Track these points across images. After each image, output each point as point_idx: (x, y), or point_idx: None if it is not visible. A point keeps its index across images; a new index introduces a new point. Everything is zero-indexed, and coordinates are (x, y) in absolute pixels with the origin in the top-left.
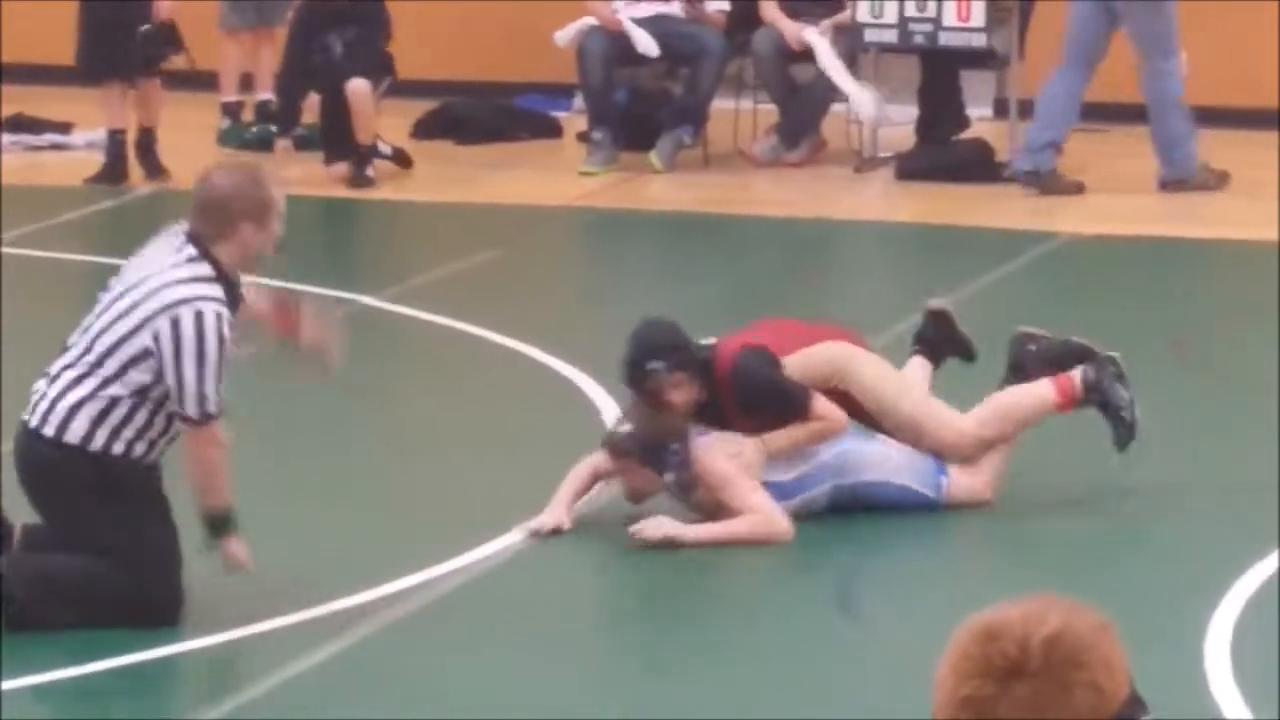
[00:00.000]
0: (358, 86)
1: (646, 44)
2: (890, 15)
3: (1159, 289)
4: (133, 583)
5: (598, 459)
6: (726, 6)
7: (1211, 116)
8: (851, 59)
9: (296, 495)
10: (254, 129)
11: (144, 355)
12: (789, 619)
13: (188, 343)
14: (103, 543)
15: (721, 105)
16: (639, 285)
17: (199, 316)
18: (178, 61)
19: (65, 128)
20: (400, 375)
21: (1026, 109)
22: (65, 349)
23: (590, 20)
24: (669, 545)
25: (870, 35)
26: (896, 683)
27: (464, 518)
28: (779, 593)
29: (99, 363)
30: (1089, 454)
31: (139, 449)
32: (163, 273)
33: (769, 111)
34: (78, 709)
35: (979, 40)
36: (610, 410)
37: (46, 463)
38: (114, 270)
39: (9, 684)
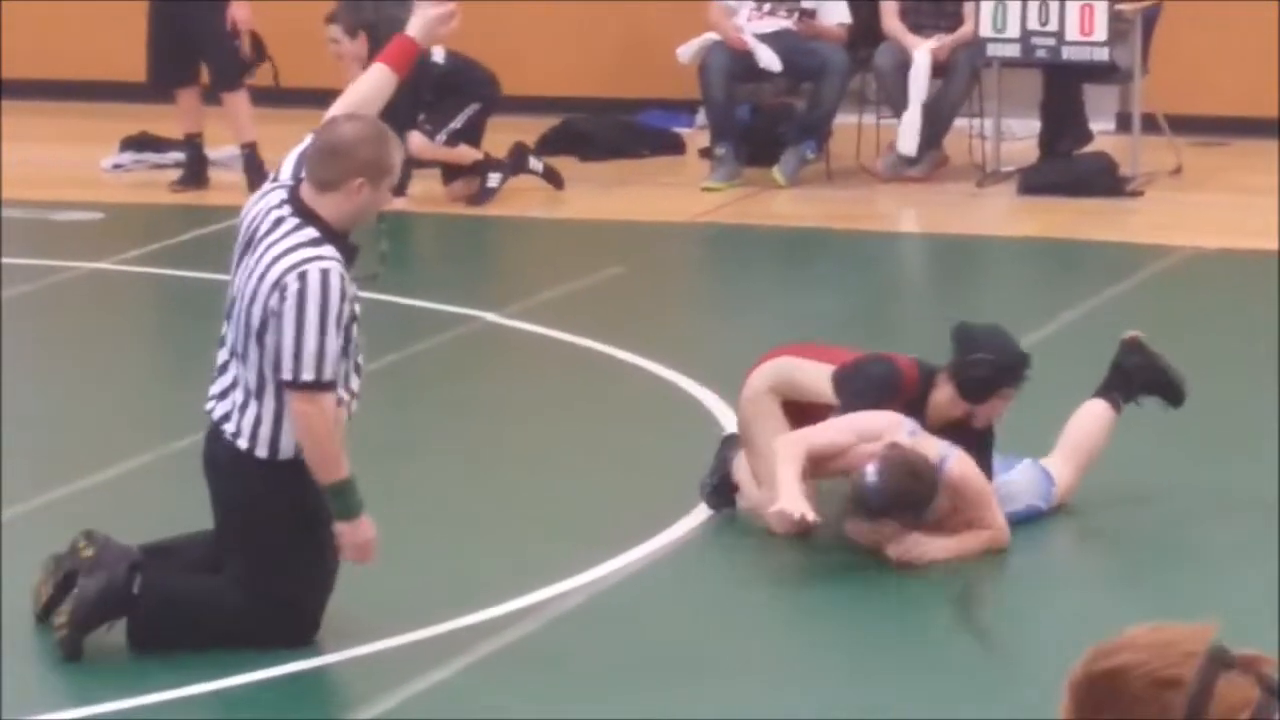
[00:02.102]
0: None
1: (769, 59)
2: (1013, 29)
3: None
4: (270, 604)
5: (797, 448)
6: (849, 20)
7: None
8: (973, 74)
9: (419, 513)
10: None
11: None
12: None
13: (291, 303)
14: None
15: (844, 120)
16: (762, 300)
17: (303, 276)
18: (262, 74)
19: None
20: (524, 392)
21: (1150, 123)
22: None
23: (713, 36)
24: (916, 565)
25: (992, 49)
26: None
27: (588, 535)
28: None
29: (244, 363)
30: (1203, 472)
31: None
32: (268, 252)
33: (891, 126)
34: None
35: (1101, 54)
36: (732, 425)
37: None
38: None
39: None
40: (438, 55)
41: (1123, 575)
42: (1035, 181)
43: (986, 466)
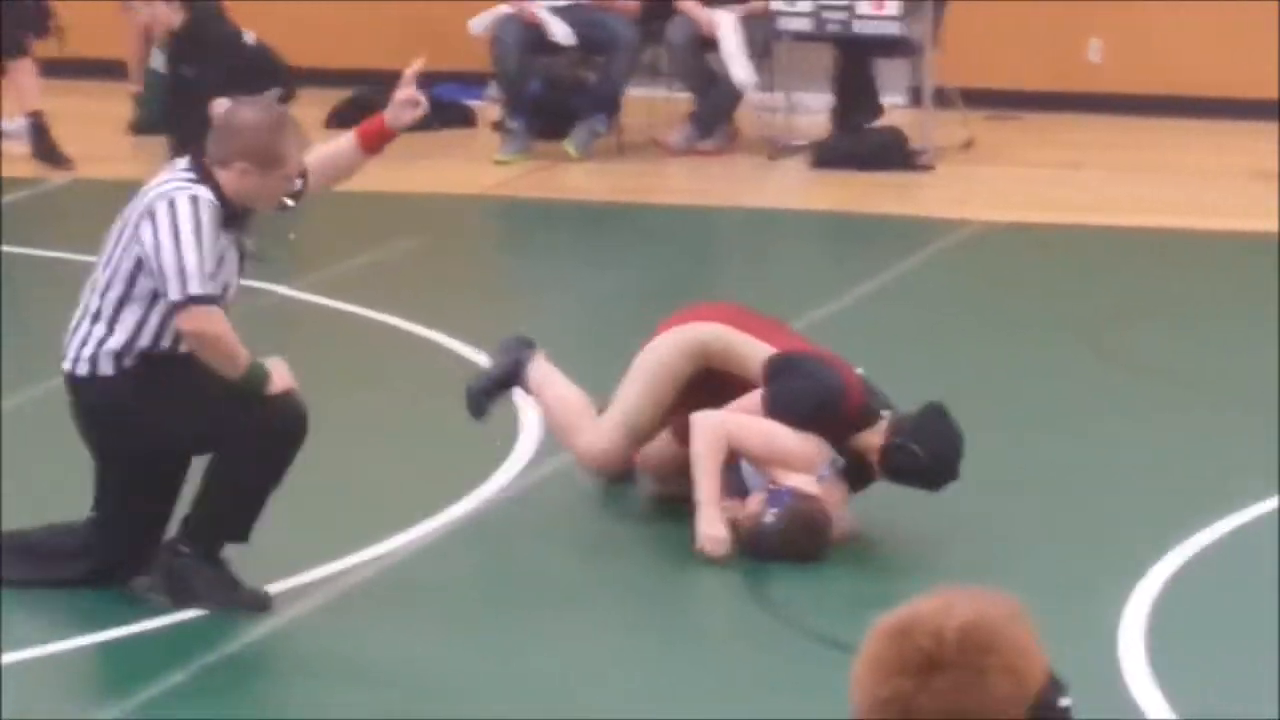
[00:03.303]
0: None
1: (562, 33)
2: (804, 4)
3: (1073, 277)
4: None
5: (718, 443)
6: None
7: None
8: (765, 47)
9: None
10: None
11: (140, 260)
12: (689, 600)
13: (164, 225)
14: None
15: (637, 93)
16: (555, 274)
17: (173, 203)
18: (50, 44)
19: None
20: (315, 365)
21: (942, 97)
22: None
23: (505, 8)
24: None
25: (784, 23)
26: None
27: (377, 508)
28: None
29: (107, 287)
30: (1002, 444)
31: (166, 343)
32: (145, 194)
33: (684, 100)
34: None
35: (893, 28)
36: (522, 399)
37: (96, 401)
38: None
39: None
40: (249, 38)
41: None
42: (827, 155)
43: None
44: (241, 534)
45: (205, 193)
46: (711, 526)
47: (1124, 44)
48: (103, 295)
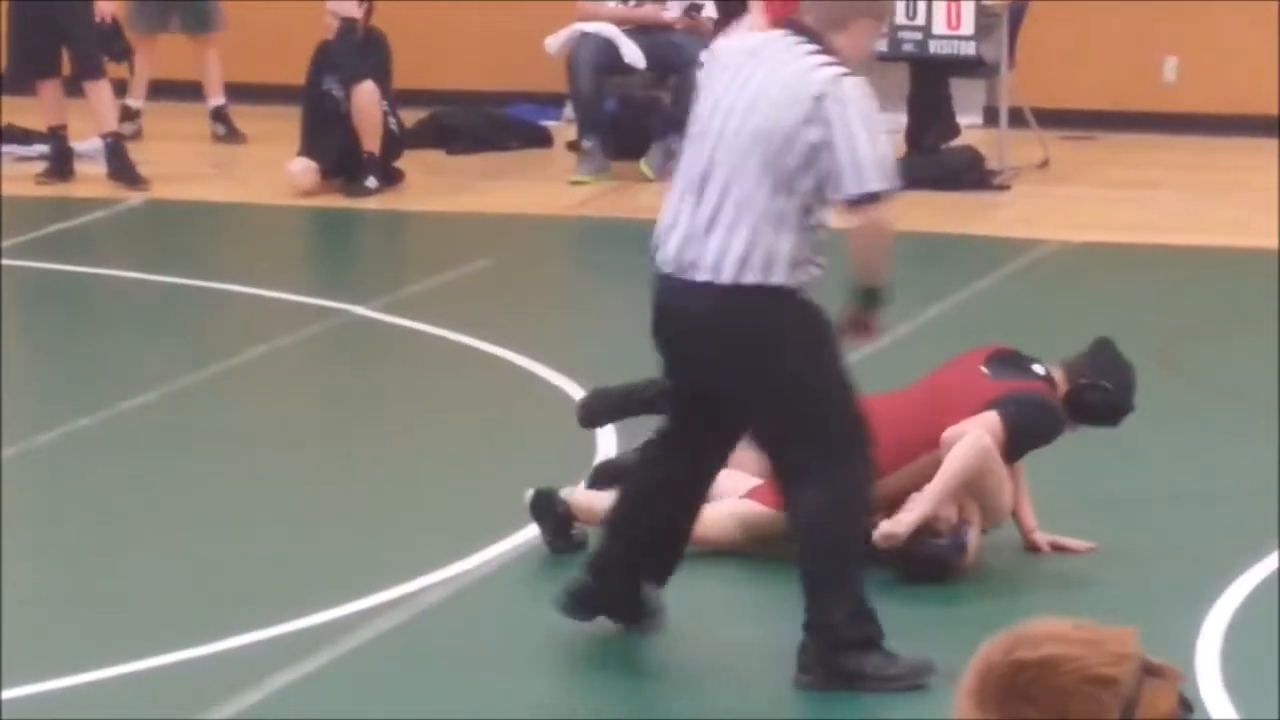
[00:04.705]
0: (366, 89)
1: (633, 54)
2: None
3: (1147, 296)
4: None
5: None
6: (714, 14)
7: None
8: None
9: (284, 505)
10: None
11: (812, 153)
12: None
13: (855, 110)
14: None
15: None
16: (629, 294)
17: (858, 84)
18: (122, 66)
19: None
20: (391, 385)
21: (1017, 117)
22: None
23: (580, 27)
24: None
25: None
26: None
27: (456, 528)
28: (760, 604)
29: (754, 193)
30: (1073, 465)
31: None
32: (793, 68)
33: None
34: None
35: (968, 48)
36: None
37: (734, 314)
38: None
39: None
40: (359, 15)
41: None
42: (903, 176)
43: None
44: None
45: (859, 77)
46: (898, 525)
47: (1199, 63)
48: (743, 194)
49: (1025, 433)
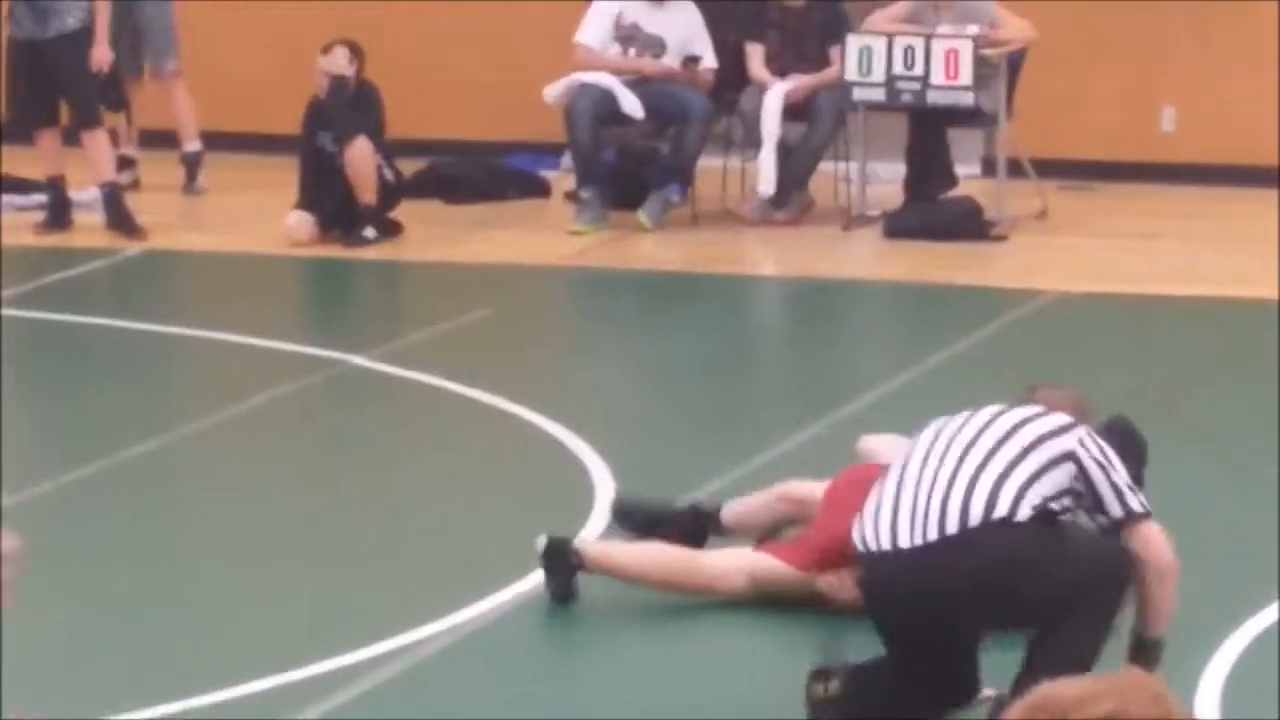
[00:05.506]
0: (359, 145)
1: (631, 105)
2: (878, 74)
3: (1146, 346)
4: None
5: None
6: (714, 65)
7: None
8: (839, 117)
9: (283, 555)
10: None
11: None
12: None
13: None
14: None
15: (711, 164)
16: (628, 345)
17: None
18: (119, 117)
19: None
20: (389, 435)
21: (1015, 167)
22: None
23: (579, 77)
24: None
25: (858, 93)
26: None
27: (453, 578)
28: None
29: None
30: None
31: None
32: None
33: (758, 170)
34: None
35: (966, 98)
36: (597, 469)
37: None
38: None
39: None
40: (349, 71)
41: None
42: (901, 225)
43: None
44: None
45: None
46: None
47: (1197, 113)
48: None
49: None
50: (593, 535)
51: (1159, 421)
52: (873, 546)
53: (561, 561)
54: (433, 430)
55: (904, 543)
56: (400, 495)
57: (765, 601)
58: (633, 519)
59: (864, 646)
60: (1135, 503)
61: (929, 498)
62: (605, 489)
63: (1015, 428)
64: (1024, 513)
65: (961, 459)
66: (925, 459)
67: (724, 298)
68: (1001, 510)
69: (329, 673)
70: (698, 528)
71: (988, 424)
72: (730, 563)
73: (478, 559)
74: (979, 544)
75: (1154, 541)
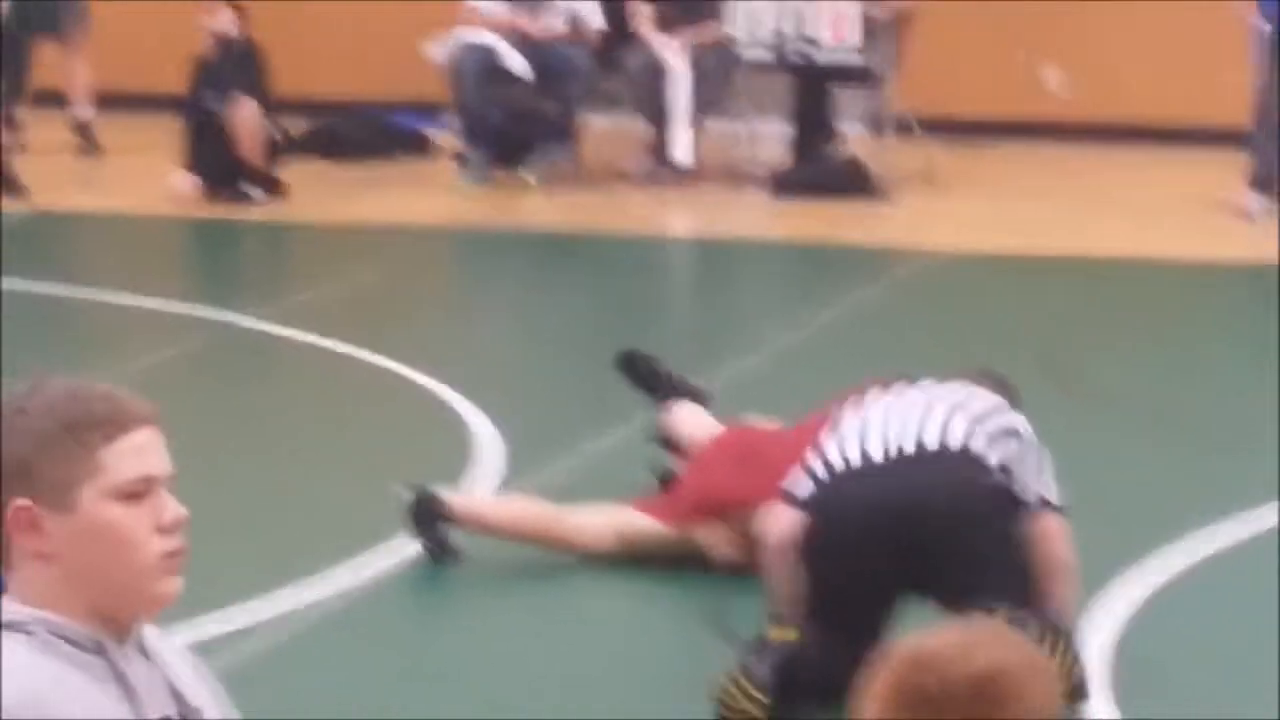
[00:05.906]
0: (244, 103)
1: (518, 64)
2: (765, 32)
3: (1030, 305)
4: None
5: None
6: (601, 24)
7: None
8: (725, 76)
9: None
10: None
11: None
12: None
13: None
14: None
15: (597, 121)
16: (513, 303)
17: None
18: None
19: None
20: (274, 395)
21: (902, 125)
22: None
23: (464, 35)
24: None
25: (745, 53)
26: None
27: (336, 540)
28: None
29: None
30: None
31: None
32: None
33: (645, 128)
34: None
35: (854, 58)
36: (482, 428)
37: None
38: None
39: None
40: (234, 30)
41: None
42: (787, 184)
43: None
44: None
45: None
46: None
47: (1083, 72)
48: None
49: None
50: (474, 493)
51: (1040, 379)
52: (839, 468)
53: (428, 514)
54: (318, 390)
55: (877, 457)
56: (284, 456)
57: (642, 560)
58: (635, 370)
59: (747, 612)
60: (1053, 494)
61: (903, 423)
62: (489, 449)
63: (971, 393)
64: (994, 465)
65: (929, 405)
66: (889, 405)
67: (611, 257)
68: (977, 450)
69: (208, 640)
70: (696, 398)
71: (942, 384)
72: (597, 519)
73: (361, 520)
74: (959, 463)
75: (1055, 536)
